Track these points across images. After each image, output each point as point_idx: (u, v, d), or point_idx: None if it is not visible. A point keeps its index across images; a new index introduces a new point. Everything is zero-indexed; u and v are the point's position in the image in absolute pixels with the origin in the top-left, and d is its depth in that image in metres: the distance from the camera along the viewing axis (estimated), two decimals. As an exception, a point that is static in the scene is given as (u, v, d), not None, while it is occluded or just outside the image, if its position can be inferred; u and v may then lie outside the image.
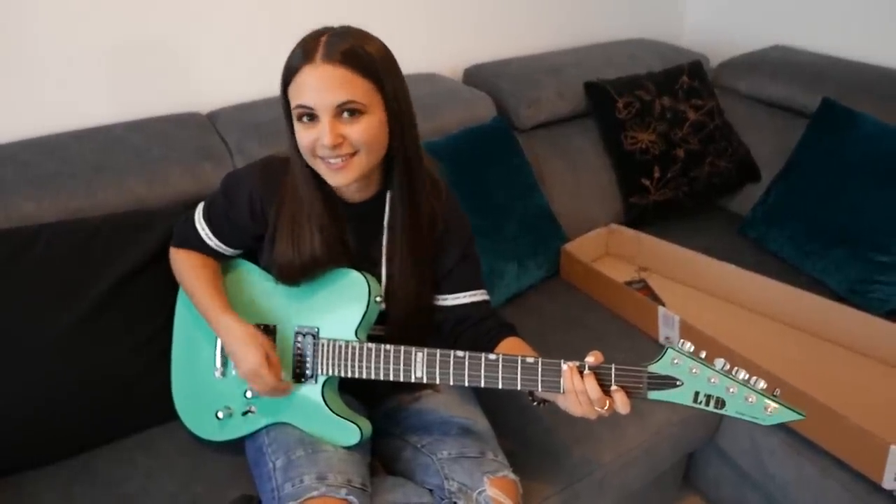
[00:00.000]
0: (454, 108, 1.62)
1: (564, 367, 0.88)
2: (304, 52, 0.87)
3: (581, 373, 0.87)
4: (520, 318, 1.46)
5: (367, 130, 0.89)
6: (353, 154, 0.90)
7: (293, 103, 0.89)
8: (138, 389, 1.18)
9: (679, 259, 1.58)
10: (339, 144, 0.88)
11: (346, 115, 0.88)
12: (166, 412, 1.16)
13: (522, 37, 1.98)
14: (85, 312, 1.13)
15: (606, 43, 2.08)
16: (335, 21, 0.93)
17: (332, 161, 0.90)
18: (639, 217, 1.76)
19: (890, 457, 1.05)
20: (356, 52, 0.87)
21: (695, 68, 1.89)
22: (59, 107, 1.39)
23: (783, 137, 1.82)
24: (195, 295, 1.07)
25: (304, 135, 0.90)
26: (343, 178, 0.92)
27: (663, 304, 1.46)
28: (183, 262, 1.10)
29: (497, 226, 1.50)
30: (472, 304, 1.09)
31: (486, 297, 1.10)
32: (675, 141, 1.77)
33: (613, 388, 0.86)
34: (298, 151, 0.94)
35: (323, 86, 0.86)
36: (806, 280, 1.55)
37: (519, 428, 1.21)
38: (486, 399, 1.16)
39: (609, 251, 1.72)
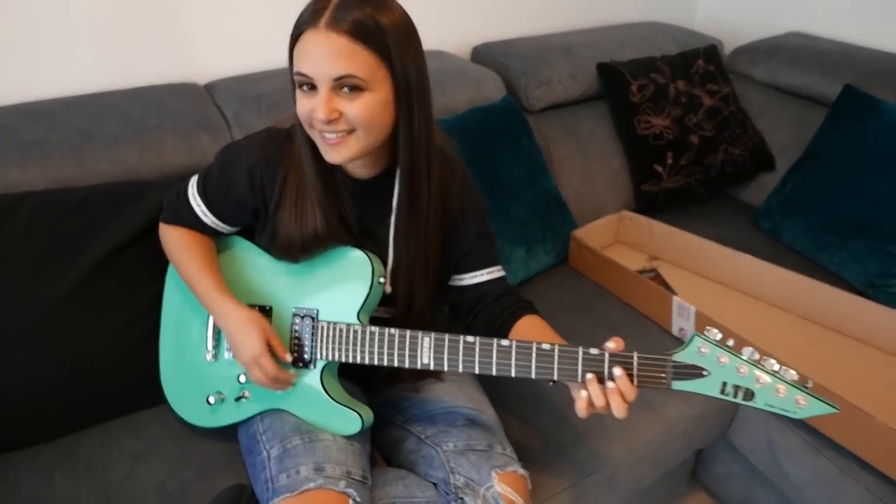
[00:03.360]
0: (462, 87, 1.56)
1: (588, 376, 0.82)
2: (313, 14, 0.80)
3: (601, 378, 0.81)
4: (527, 305, 1.42)
5: (366, 109, 0.81)
6: (350, 132, 0.83)
7: (294, 68, 0.83)
8: (126, 369, 1.11)
9: (693, 248, 1.52)
10: (335, 120, 0.82)
11: (345, 89, 0.80)
12: (155, 394, 1.10)
13: (531, 17, 1.91)
14: (69, 287, 1.07)
15: (618, 25, 2.01)
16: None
17: (327, 135, 0.83)
18: (650, 205, 1.70)
19: (919, 457, 1.01)
20: (365, 22, 0.79)
21: (710, 52, 1.83)
22: (49, 73, 1.32)
23: (799, 126, 1.76)
24: (189, 275, 1.00)
25: (303, 103, 0.83)
26: (337, 155, 0.85)
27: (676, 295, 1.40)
28: (175, 240, 1.03)
29: (505, 208, 1.44)
30: (489, 281, 1.03)
31: (502, 273, 1.05)
32: (689, 126, 1.71)
33: (611, 385, 0.81)
34: (296, 121, 0.88)
35: (322, 55, 0.79)
36: (822, 273, 1.50)
37: (525, 418, 1.16)
38: (488, 388, 1.11)
39: (619, 239, 1.66)
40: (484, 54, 1.77)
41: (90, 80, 1.36)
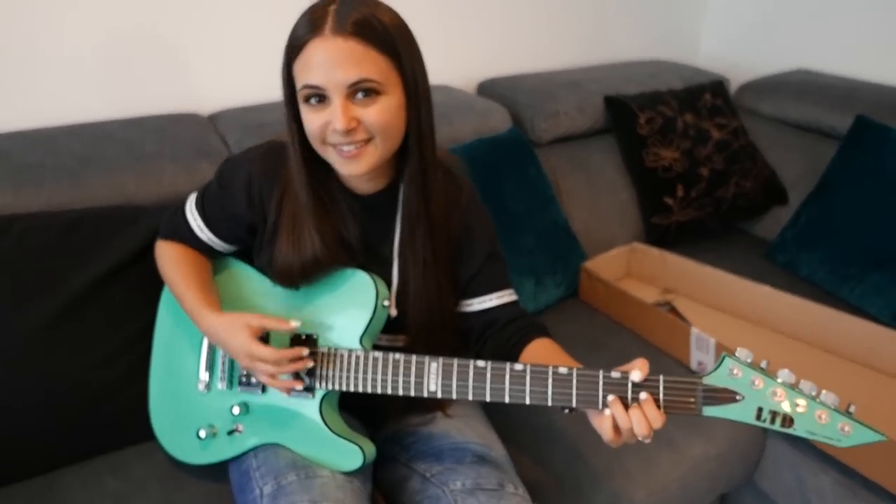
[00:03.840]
0: (468, 119, 1.54)
1: (610, 398, 0.75)
2: (312, 23, 0.76)
3: (626, 404, 0.75)
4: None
5: (384, 113, 0.78)
6: (368, 140, 0.80)
7: (299, 83, 0.79)
8: (111, 403, 1.05)
9: (709, 280, 1.47)
10: (353, 129, 0.78)
11: (360, 95, 0.77)
12: (142, 431, 1.03)
13: (536, 54, 1.92)
14: (55, 313, 1.01)
15: (623, 63, 2.02)
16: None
17: (344, 148, 0.79)
18: (661, 238, 1.66)
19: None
20: (370, 22, 0.76)
21: (717, 87, 1.82)
22: (51, 102, 1.30)
23: (810, 159, 1.74)
24: (179, 290, 0.95)
25: (313, 118, 0.79)
26: (357, 167, 0.81)
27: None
28: (168, 254, 0.99)
29: (513, 238, 1.39)
30: (499, 306, 0.96)
31: (514, 297, 0.98)
32: (699, 159, 1.68)
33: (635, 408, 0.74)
34: (297, 140, 0.84)
35: (334, 62, 0.75)
36: (844, 307, 1.43)
37: (538, 456, 1.08)
38: (498, 423, 1.04)
39: (630, 272, 1.60)
40: (490, 89, 1.77)
41: (92, 110, 1.35)
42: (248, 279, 0.99)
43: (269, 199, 0.91)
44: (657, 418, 0.73)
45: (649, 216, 1.66)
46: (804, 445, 1.16)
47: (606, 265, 1.52)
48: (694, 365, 1.27)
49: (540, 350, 0.91)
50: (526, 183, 1.47)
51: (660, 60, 2.06)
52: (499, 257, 0.99)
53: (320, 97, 0.78)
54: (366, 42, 0.76)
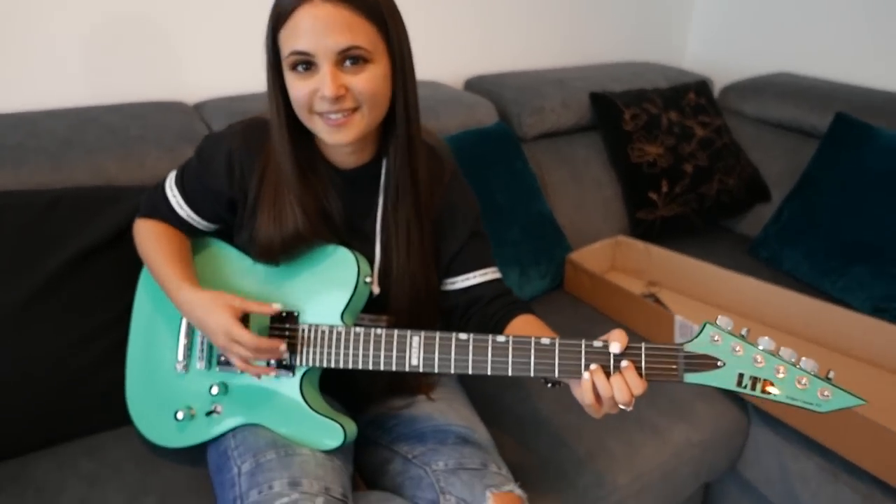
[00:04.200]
0: (455, 112, 1.54)
1: (593, 366, 0.75)
2: None
3: (607, 372, 0.75)
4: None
5: (372, 81, 0.78)
6: (355, 109, 0.80)
7: (286, 50, 0.78)
8: (87, 386, 1.03)
9: (693, 272, 1.47)
10: (342, 97, 0.78)
11: (348, 62, 0.77)
12: (118, 414, 1.01)
13: (523, 52, 1.94)
14: (31, 293, 0.99)
15: (609, 63, 2.04)
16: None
17: (332, 116, 0.79)
18: (646, 233, 1.67)
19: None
20: None
21: (701, 87, 1.85)
22: (35, 87, 1.29)
23: (792, 158, 1.76)
24: (156, 265, 0.93)
25: (299, 86, 0.79)
26: (344, 135, 0.81)
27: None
28: (146, 231, 0.97)
29: (498, 229, 1.39)
30: (482, 283, 0.96)
31: (498, 275, 0.98)
32: (683, 155, 1.70)
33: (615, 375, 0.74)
34: (281, 111, 0.83)
35: (323, 28, 0.75)
36: (826, 299, 1.44)
37: (522, 440, 1.07)
38: (482, 408, 1.03)
39: (615, 265, 1.61)
40: (477, 85, 1.78)
41: (77, 95, 1.34)
42: (228, 258, 0.98)
43: (249, 174, 0.90)
44: (638, 385, 0.72)
45: (634, 211, 1.67)
46: (787, 431, 1.16)
47: (592, 257, 1.52)
48: (678, 353, 1.27)
49: (524, 326, 0.91)
50: (512, 176, 1.48)
51: (645, 62, 2.09)
52: (481, 235, 0.99)
53: (308, 64, 0.78)
54: (355, 9, 0.76)
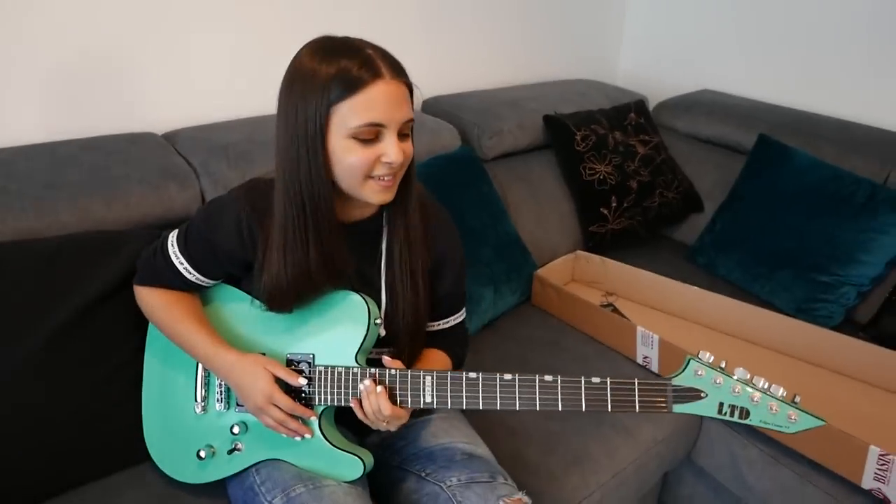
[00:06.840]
0: (421, 137, 1.56)
1: (367, 382, 0.91)
2: (367, 67, 0.82)
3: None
4: (499, 342, 1.48)
5: (412, 148, 0.90)
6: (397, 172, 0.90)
7: (356, 121, 0.82)
8: (102, 430, 1.05)
9: (644, 283, 1.64)
10: (402, 162, 0.87)
11: (404, 133, 0.88)
12: (134, 455, 1.05)
13: (475, 73, 2.03)
14: (42, 343, 1.01)
15: (553, 81, 2.17)
16: (296, 44, 0.88)
17: (386, 178, 0.88)
18: (598, 245, 1.82)
19: (869, 457, 1.12)
20: (403, 67, 0.87)
21: (639, 106, 2.01)
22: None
23: (721, 171, 1.95)
24: (180, 338, 0.98)
25: (362, 153, 0.85)
26: (390, 194, 0.90)
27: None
28: (156, 302, 1.00)
29: (473, 251, 1.49)
30: (457, 325, 1.12)
31: (464, 316, 1.14)
32: (628, 172, 1.85)
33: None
34: (318, 175, 0.86)
35: (395, 102, 0.84)
36: (755, 301, 1.65)
37: (514, 451, 1.19)
38: (475, 424, 1.13)
39: (575, 277, 1.75)
40: (435, 107, 1.85)
41: (40, 130, 1.31)
42: (236, 303, 1.01)
43: (258, 235, 0.93)
44: (387, 407, 0.89)
45: (587, 225, 1.82)
46: (734, 424, 1.34)
47: (555, 272, 1.65)
48: (640, 359, 1.43)
49: (425, 356, 1.06)
50: (480, 199, 1.58)
51: (586, 80, 2.23)
52: (463, 280, 1.11)
53: (372, 135, 0.84)
54: (407, 87, 0.87)
